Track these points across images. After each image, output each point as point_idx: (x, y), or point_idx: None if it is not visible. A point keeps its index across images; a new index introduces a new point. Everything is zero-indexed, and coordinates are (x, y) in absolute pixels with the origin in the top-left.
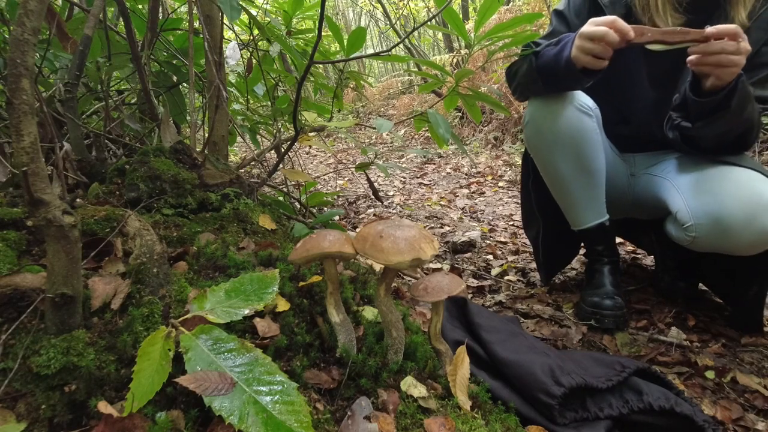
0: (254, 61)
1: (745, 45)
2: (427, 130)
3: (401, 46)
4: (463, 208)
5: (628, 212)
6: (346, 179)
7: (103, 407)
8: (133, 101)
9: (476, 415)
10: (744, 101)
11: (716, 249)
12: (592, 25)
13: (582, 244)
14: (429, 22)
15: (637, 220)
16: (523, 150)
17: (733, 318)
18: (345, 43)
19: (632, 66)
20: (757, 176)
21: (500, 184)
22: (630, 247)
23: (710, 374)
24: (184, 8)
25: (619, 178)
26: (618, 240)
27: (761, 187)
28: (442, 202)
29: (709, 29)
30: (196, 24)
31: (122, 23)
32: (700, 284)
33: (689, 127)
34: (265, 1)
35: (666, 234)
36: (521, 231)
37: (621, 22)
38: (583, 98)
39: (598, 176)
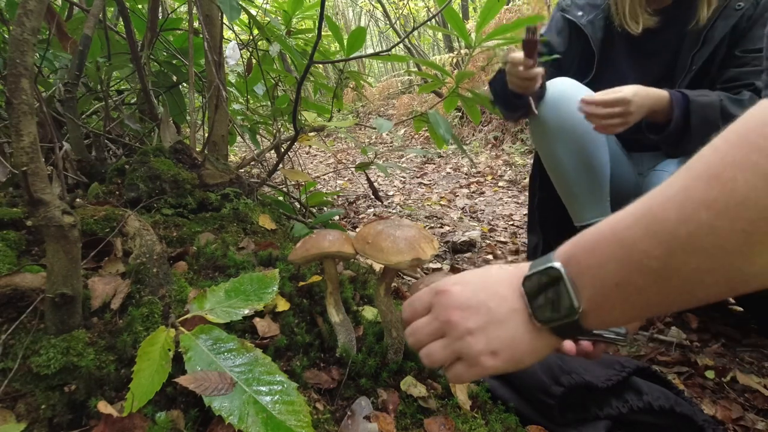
0: (254, 61)
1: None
2: (426, 130)
3: (401, 45)
4: (463, 208)
5: None
6: (346, 179)
7: (103, 407)
8: (132, 101)
9: (476, 415)
10: (702, 112)
11: None
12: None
13: None
14: (429, 22)
15: None
16: (522, 150)
17: (762, 329)
18: (345, 43)
19: (621, 67)
20: None
21: (500, 183)
22: None
23: (710, 374)
24: (183, 8)
25: (627, 177)
26: None
27: None
28: (442, 202)
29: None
30: (196, 24)
31: (122, 23)
32: None
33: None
34: (265, 1)
35: None
36: (521, 231)
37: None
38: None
39: (599, 172)
